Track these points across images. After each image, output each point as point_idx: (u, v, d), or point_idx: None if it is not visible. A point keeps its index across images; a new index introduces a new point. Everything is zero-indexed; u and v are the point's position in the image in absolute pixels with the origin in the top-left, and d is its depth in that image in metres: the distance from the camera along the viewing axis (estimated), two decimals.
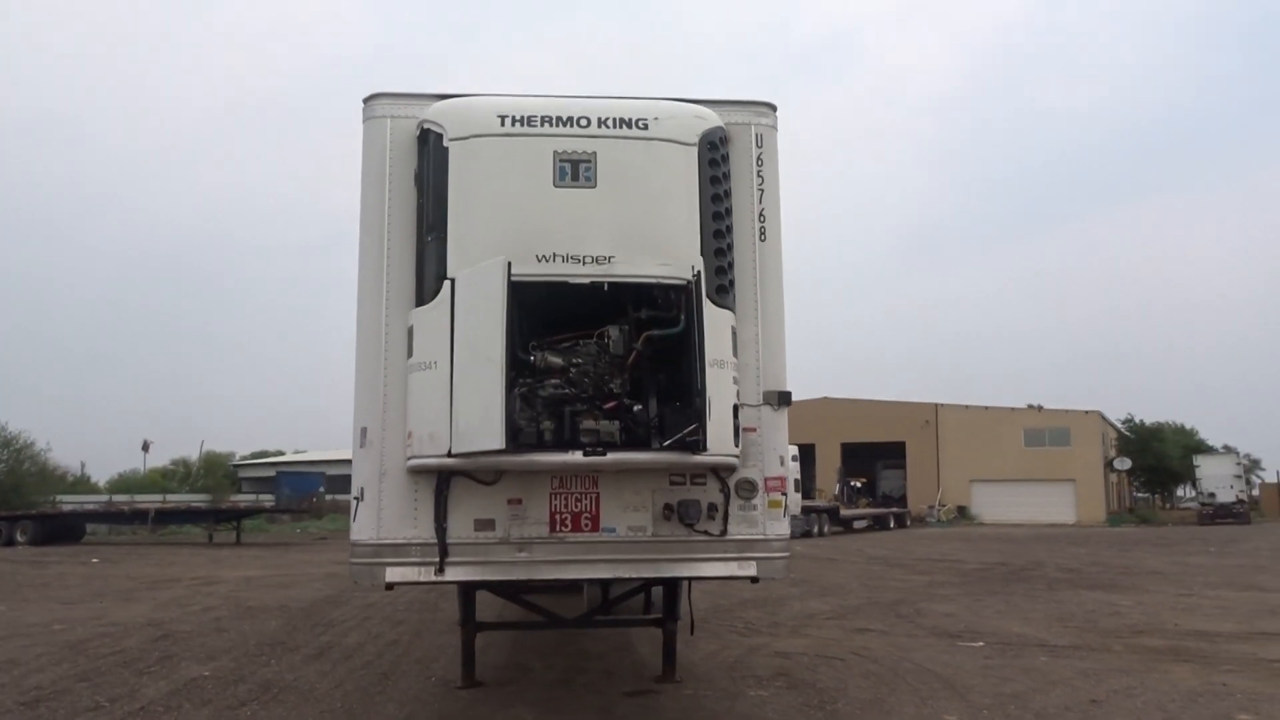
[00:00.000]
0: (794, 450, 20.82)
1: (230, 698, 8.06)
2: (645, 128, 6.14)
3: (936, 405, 59.87)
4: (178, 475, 71.88)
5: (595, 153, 6.05)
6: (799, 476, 33.64)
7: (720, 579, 6.59)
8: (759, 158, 6.54)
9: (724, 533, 6.17)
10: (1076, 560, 23.75)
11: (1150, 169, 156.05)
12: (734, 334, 6.15)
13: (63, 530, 33.98)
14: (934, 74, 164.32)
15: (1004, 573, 20.37)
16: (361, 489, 6.06)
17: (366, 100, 6.48)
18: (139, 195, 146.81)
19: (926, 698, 7.93)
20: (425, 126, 6.25)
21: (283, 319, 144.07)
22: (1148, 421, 66.56)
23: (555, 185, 6.00)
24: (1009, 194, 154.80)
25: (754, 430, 6.23)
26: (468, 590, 7.47)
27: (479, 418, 5.49)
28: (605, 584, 8.25)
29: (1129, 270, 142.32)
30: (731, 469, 6.16)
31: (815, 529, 36.74)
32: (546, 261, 5.81)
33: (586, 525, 6.09)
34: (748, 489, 6.21)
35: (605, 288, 5.93)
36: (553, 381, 5.93)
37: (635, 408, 5.98)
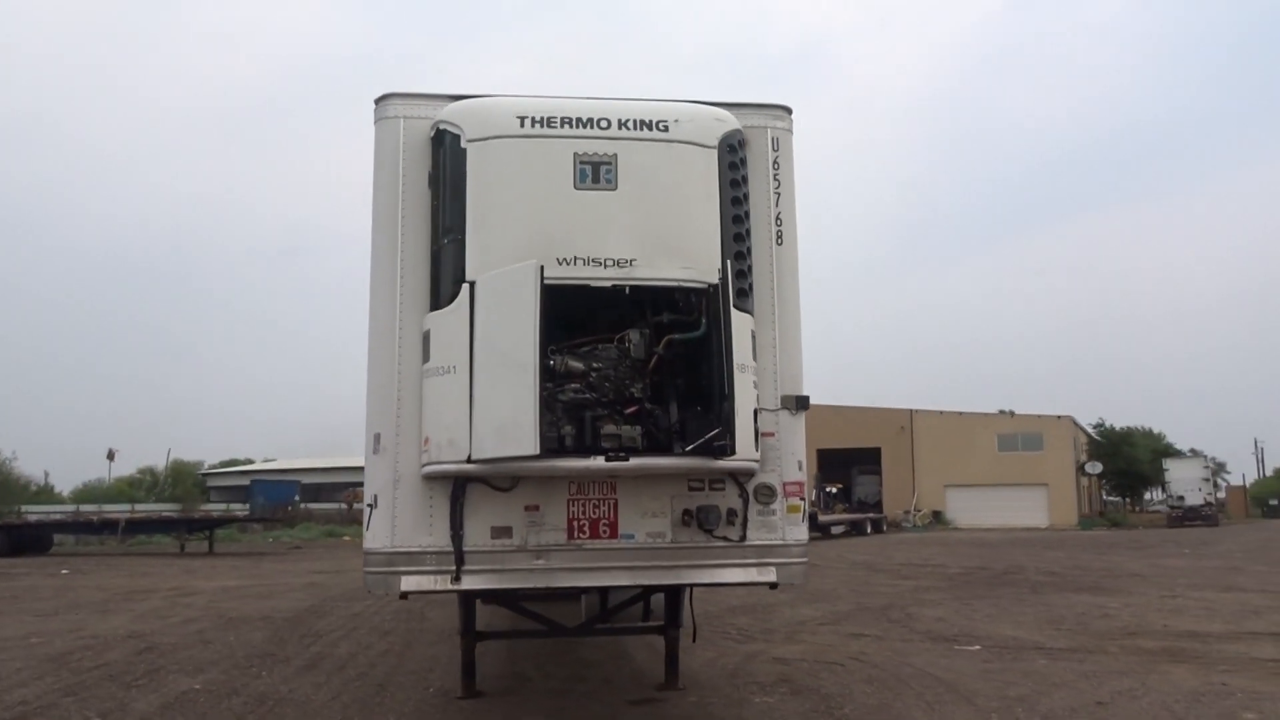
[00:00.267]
0: None
1: (225, 711, 7.88)
2: (666, 130, 6.07)
3: (911, 411, 60.33)
4: (144, 484, 70.92)
5: (616, 155, 5.97)
6: None
7: (740, 585, 6.52)
8: (775, 161, 6.49)
9: (743, 538, 6.10)
10: (1056, 563, 23.92)
11: (1118, 178, 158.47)
12: (753, 338, 6.09)
13: (29, 541, 33.27)
14: (904, 85, 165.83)
15: (987, 576, 20.47)
16: (375, 496, 5.93)
17: (378, 101, 6.35)
18: (102, 198, 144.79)
19: (933, 702, 7.91)
20: (441, 127, 6.15)
21: (249, 326, 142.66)
22: (1118, 426, 67.31)
23: (576, 187, 5.91)
24: (979, 203, 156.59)
25: (772, 435, 6.17)
26: (468, 598, 7.34)
27: (507, 423, 5.38)
28: (604, 591, 8.15)
29: (1098, 277, 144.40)
30: (750, 474, 6.09)
31: None
32: (568, 264, 5.72)
33: (605, 532, 5.99)
34: (767, 494, 6.15)
35: (627, 291, 5.86)
36: (573, 386, 5.83)
37: (656, 412, 5.89)
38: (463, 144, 5.99)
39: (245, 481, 66.06)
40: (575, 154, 5.94)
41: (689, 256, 5.93)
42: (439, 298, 5.96)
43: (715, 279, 5.87)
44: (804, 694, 8.29)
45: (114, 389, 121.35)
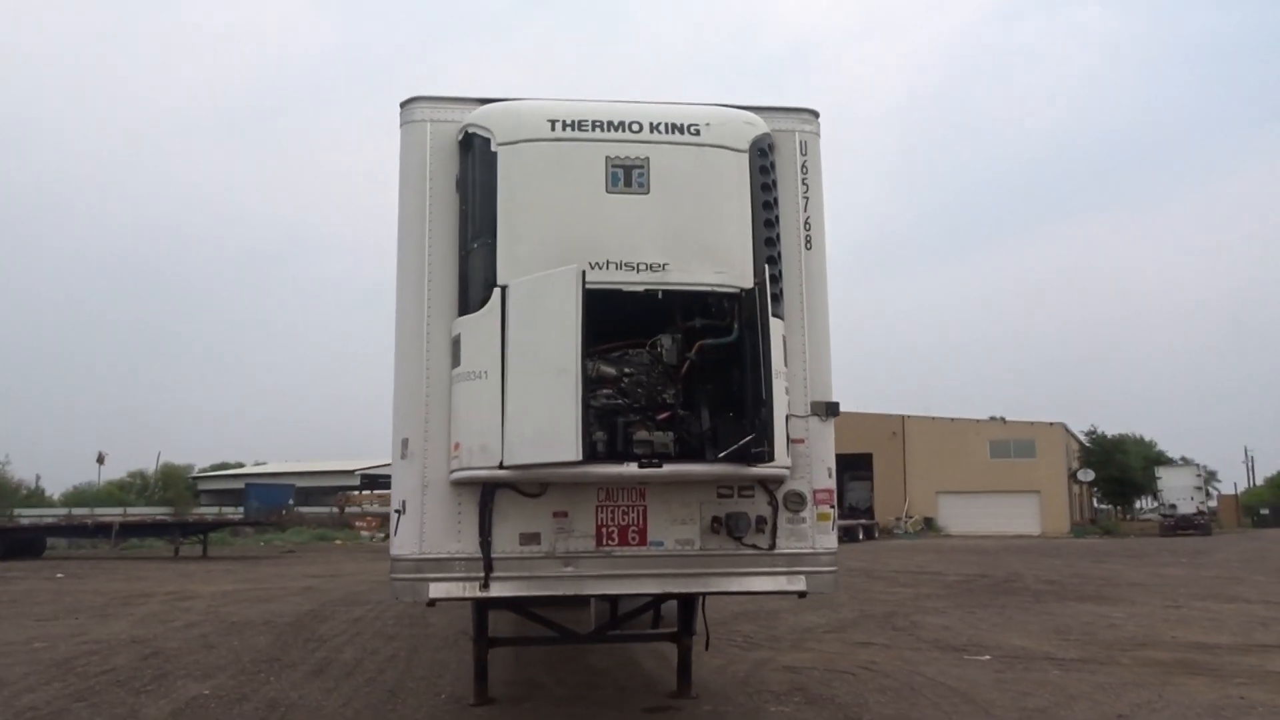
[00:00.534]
0: None
1: (238, 717, 7.81)
2: (697, 133, 6.04)
3: (904, 417, 60.36)
4: (135, 488, 70.56)
5: (648, 158, 5.94)
6: None
7: (769, 594, 6.47)
8: (803, 165, 6.46)
9: (773, 546, 6.06)
10: (1054, 572, 23.93)
11: (1118, 179, 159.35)
12: (784, 343, 6.06)
13: (22, 545, 33.01)
14: (889, 88, 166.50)
15: (986, 584, 20.45)
16: (403, 502, 5.87)
17: (404, 104, 6.31)
18: (89, 199, 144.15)
19: (950, 713, 7.87)
20: (471, 130, 6.10)
21: (240, 329, 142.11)
22: (1110, 434, 67.46)
23: (608, 191, 5.88)
24: (971, 207, 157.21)
25: (802, 441, 6.12)
26: (483, 605, 7.28)
27: (545, 428, 5.33)
28: (614, 598, 8.10)
29: (1090, 283, 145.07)
30: (780, 481, 6.05)
31: None
32: (600, 269, 5.69)
33: (634, 539, 5.94)
34: (796, 501, 6.10)
35: (659, 296, 5.82)
36: (605, 391, 5.80)
37: (687, 418, 5.85)
38: (493, 147, 5.95)
39: (236, 485, 65.90)
40: (607, 157, 5.91)
41: (721, 261, 5.90)
42: (468, 302, 5.91)
43: (748, 284, 5.85)
44: (819, 703, 8.24)
45: (102, 392, 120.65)
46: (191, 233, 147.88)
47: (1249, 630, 12.70)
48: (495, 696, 8.17)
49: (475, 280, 5.90)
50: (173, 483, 71.82)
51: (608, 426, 5.76)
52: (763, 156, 6.24)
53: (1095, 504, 71.63)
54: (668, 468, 5.62)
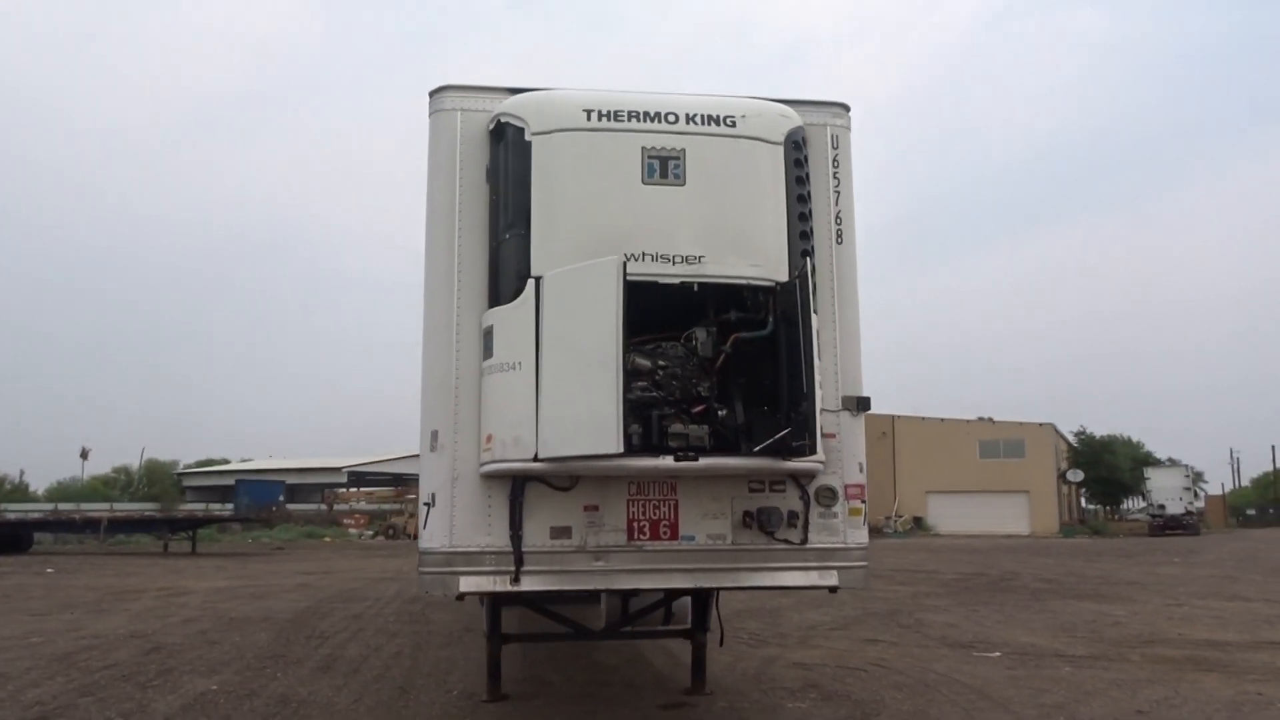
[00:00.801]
0: None
1: (249, 713, 7.71)
2: (733, 125, 5.97)
3: (893, 417, 60.38)
4: (119, 483, 70.16)
5: (684, 149, 5.86)
6: None
7: (800, 589, 6.40)
8: (835, 159, 6.42)
9: (804, 541, 6.00)
10: (1049, 570, 24.01)
11: (1115, 180, 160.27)
12: (817, 337, 5.99)
13: (9, 540, 32.76)
14: (881, 89, 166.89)
15: (984, 582, 20.48)
16: (433, 495, 5.77)
17: (433, 93, 6.21)
18: (80, 198, 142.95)
19: (968, 709, 7.84)
20: (504, 120, 6.01)
21: (228, 323, 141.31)
22: (1098, 434, 67.74)
23: (644, 182, 5.80)
24: (963, 208, 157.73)
25: (834, 436, 6.06)
26: (497, 601, 7.19)
27: (584, 420, 5.24)
28: (626, 594, 8.03)
29: (1082, 284, 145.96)
30: (812, 475, 6.00)
31: None
32: (636, 260, 5.59)
33: (665, 533, 5.87)
34: (828, 496, 6.05)
35: (695, 288, 5.75)
36: (640, 384, 5.72)
37: (722, 412, 5.78)
38: (527, 137, 5.86)
39: (222, 481, 65.51)
40: (643, 148, 5.83)
41: (757, 254, 5.84)
42: (499, 293, 5.83)
43: (783, 277, 5.80)
44: (835, 700, 8.20)
45: (86, 386, 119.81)
46: (177, 227, 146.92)
47: (1255, 628, 12.74)
48: (507, 693, 8.09)
49: (508, 271, 5.81)
50: (158, 479, 71.43)
51: (642, 419, 5.67)
52: (797, 149, 6.18)
53: (1083, 504, 71.97)
54: (703, 461, 5.55)
